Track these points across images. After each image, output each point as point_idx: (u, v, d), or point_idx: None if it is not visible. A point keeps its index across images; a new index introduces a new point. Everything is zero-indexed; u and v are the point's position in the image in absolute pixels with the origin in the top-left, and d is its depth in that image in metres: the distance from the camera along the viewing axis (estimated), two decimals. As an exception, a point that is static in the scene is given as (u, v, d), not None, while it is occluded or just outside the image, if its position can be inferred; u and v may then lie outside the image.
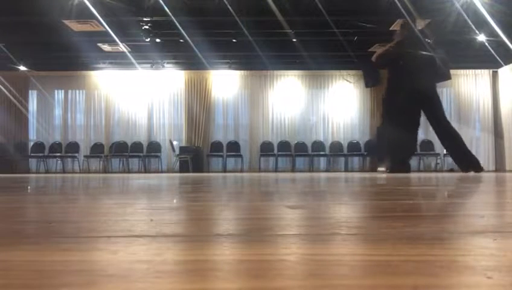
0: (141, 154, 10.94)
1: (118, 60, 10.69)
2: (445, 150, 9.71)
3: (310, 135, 11.23)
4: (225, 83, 11.17)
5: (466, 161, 6.12)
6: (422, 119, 6.33)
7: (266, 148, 10.97)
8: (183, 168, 10.34)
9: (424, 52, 5.97)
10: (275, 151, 10.94)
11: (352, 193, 2.04)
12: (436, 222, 0.91)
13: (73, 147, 11.06)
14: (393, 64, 6.08)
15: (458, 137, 6.13)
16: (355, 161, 11.15)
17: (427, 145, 10.63)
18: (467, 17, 7.49)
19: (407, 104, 5.92)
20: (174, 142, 10.96)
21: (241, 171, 10.55)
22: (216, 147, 11.05)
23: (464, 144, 6.20)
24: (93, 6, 7.36)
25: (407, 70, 5.94)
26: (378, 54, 6.20)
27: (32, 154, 11.02)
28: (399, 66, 6.00)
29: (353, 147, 11.07)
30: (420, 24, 7.72)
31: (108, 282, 0.43)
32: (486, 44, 9.06)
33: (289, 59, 10.61)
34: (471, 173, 5.78)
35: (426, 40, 6.12)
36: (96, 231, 0.80)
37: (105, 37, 8.81)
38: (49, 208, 1.36)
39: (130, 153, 10.90)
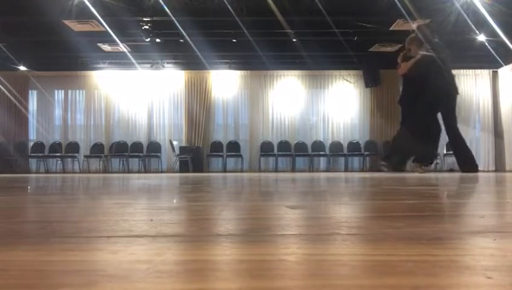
0: (141, 154, 10.94)
1: (118, 60, 10.69)
2: (445, 150, 9.79)
3: (310, 135, 11.22)
4: (225, 83, 11.17)
5: (466, 162, 6.27)
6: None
7: (266, 148, 10.96)
8: (183, 168, 10.34)
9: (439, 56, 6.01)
10: (275, 151, 10.94)
11: (352, 193, 2.04)
12: (436, 222, 0.91)
13: (73, 147, 11.05)
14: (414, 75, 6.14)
15: (463, 140, 6.29)
16: (355, 160, 11.15)
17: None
18: (467, 17, 7.49)
19: (431, 108, 6.02)
20: (174, 142, 10.96)
21: (241, 171, 10.55)
22: (216, 147, 11.05)
23: (468, 148, 6.36)
24: (93, 6, 7.36)
25: (429, 77, 5.99)
26: (404, 70, 6.23)
27: (32, 154, 11.01)
28: (420, 76, 6.06)
29: (353, 147, 11.07)
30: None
31: (108, 282, 0.43)
32: (486, 44, 9.06)
33: (289, 59, 10.61)
34: (470, 174, 5.83)
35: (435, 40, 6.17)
36: (96, 231, 0.80)
37: (105, 37, 8.81)
38: (49, 208, 1.36)
39: (130, 153, 10.89)
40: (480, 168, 10.67)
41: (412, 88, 6.30)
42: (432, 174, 5.72)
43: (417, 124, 6.14)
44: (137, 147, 11.01)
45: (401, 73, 6.35)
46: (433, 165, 8.64)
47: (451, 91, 6.18)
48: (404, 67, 6.19)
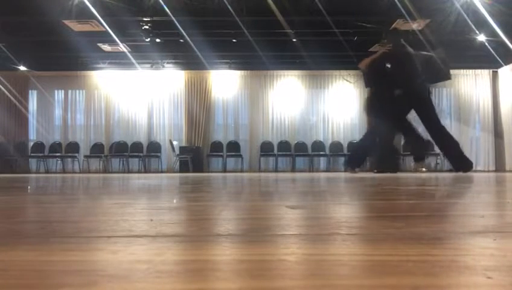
0: (141, 154, 10.94)
1: (118, 60, 10.69)
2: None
3: (310, 135, 11.22)
4: (225, 83, 11.17)
5: (459, 161, 6.24)
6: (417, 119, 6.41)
7: (266, 148, 10.96)
8: (183, 168, 10.34)
9: (416, 55, 6.02)
10: (275, 151, 10.94)
11: (352, 193, 2.04)
12: (436, 222, 0.91)
13: (73, 147, 11.05)
14: (381, 71, 6.16)
15: (452, 138, 6.24)
16: (355, 161, 11.13)
17: (427, 145, 10.63)
18: (466, 17, 7.49)
19: (398, 107, 6.01)
20: (174, 142, 10.96)
21: (241, 171, 10.55)
22: (216, 147, 11.05)
23: (458, 145, 6.30)
24: (93, 6, 7.37)
25: (395, 75, 6.01)
26: (365, 63, 6.27)
27: (32, 154, 11.01)
28: (387, 72, 6.08)
29: (353, 147, 11.06)
30: (420, 24, 7.73)
31: (108, 282, 0.43)
32: (486, 44, 9.06)
33: (289, 59, 10.61)
34: (468, 173, 5.83)
35: (423, 41, 6.19)
36: (96, 231, 0.80)
37: (105, 37, 8.82)
38: (49, 208, 1.36)
39: (130, 153, 10.90)
40: (480, 168, 10.68)
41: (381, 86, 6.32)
42: (432, 174, 5.73)
43: (383, 123, 6.15)
44: (137, 147, 11.01)
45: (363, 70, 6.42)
46: (433, 165, 8.62)
47: (423, 91, 6.15)
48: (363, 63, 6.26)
